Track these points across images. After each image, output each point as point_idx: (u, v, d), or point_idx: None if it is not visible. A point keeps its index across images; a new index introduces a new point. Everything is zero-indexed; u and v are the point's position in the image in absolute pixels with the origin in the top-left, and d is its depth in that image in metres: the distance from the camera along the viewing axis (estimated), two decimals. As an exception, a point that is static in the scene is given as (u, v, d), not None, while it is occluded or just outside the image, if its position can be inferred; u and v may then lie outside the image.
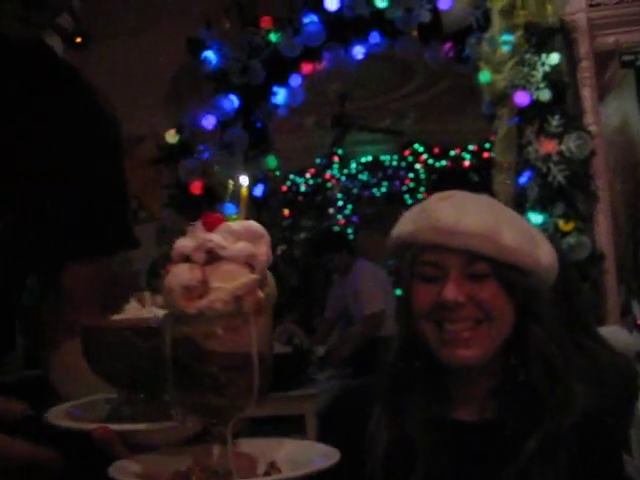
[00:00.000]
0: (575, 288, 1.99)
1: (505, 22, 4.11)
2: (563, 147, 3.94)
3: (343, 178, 8.76)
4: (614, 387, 1.77)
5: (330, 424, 1.20)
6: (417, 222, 1.13)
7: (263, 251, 0.80)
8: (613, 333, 2.06)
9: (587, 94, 4.16)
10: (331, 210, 8.81)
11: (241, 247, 0.78)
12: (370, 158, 8.63)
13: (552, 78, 4.00)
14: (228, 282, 0.77)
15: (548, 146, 3.96)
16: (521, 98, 4.01)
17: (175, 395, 0.78)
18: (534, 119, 4.06)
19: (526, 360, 1.10)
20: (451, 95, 6.86)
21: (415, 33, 4.33)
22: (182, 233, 0.78)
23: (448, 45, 4.36)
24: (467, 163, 8.38)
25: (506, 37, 4.07)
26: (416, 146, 8.55)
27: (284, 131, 7.51)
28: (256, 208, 4.77)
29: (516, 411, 1.01)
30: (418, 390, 1.12)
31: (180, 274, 0.77)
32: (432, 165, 8.55)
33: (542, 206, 3.92)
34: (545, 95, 3.98)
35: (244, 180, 0.84)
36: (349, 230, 8.50)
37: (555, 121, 4.00)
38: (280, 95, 4.49)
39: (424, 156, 8.55)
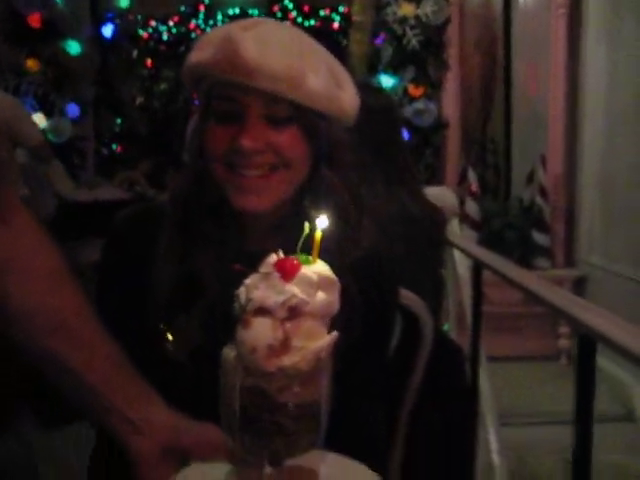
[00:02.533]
0: (398, 146, 2.03)
1: None
2: (420, 11, 3.93)
3: (208, 29, 8.37)
4: (418, 236, 1.89)
5: (112, 253, 1.15)
6: (216, 52, 1.02)
7: (335, 299, 0.78)
8: (438, 192, 2.16)
9: (449, -40, 4.13)
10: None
11: (321, 301, 0.76)
12: (237, 10, 8.26)
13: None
14: (311, 341, 0.75)
15: (406, 9, 3.93)
16: (383, -44, 3.92)
17: (239, 439, 0.77)
18: (395, -20, 4.00)
19: (319, 204, 1.09)
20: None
21: None
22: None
23: None
24: (336, 25, 8.21)
25: None
26: (286, 2, 8.26)
27: (146, -28, 7.03)
28: (104, 50, 4.51)
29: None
30: (211, 218, 1.08)
31: (264, 333, 0.74)
32: (301, 24, 8.30)
33: (394, 69, 3.94)
34: (407, -43, 3.91)
35: (322, 223, 0.79)
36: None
37: (415, -16, 3.96)
38: None
39: (293, 13, 8.29)
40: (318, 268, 0.79)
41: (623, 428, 3.45)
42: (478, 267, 2.10)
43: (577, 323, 1.18)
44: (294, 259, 0.78)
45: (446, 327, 3.61)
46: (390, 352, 1.70)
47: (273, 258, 0.80)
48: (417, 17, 3.96)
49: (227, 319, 0.85)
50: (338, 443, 0.92)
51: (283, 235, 1.02)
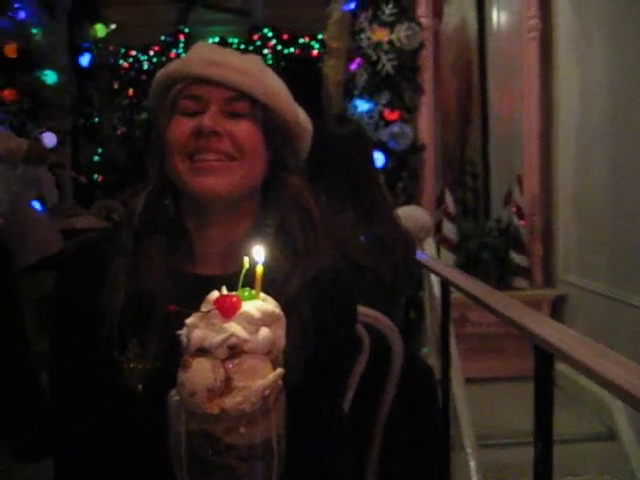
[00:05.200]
0: (368, 173, 2.04)
1: None
2: (394, 37, 3.98)
3: (188, 58, 8.42)
4: (392, 253, 1.90)
5: (64, 282, 1.14)
6: (185, 59, 1.12)
7: (280, 334, 0.77)
8: (410, 211, 2.17)
9: (421, -14, 4.20)
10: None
11: (263, 338, 0.73)
12: (217, 39, 8.34)
13: (387, -34, 3.99)
14: (254, 380, 0.72)
15: (380, 34, 3.98)
16: (356, -16, 3.98)
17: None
18: (368, 6, 4.05)
19: (280, 211, 1.12)
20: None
21: None
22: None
23: None
24: (315, 52, 8.31)
25: None
26: (265, 31, 8.35)
27: (125, 3, 7.08)
28: (82, 79, 4.52)
29: (271, 261, 0.98)
30: (162, 242, 1.09)
31: (203, 374, 0.71)
32: (280, 51, 8.41)
33: (369, 94, 3.98)
34: (380, -18, 3.97)
35: (260, 256, 0.78)
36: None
37: (388, 10, 4.01)
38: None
39: (273, 42, 8.38)
40: (261, 304, 0.77)
41: (606, 447, 3.44)
42: (445, 285, 2.11)
43: (533, 336, 1.18)
44: (234, 296, 0.77)
45: (426, 350, 3.62)
46: (359, 372, 1.70)
47: (214, 295, 0.78)
48: (391, 42, 4.01)
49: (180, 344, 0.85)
50: (299, 476, 0.92)
51: (237, 260, 1.02)
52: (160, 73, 1.14)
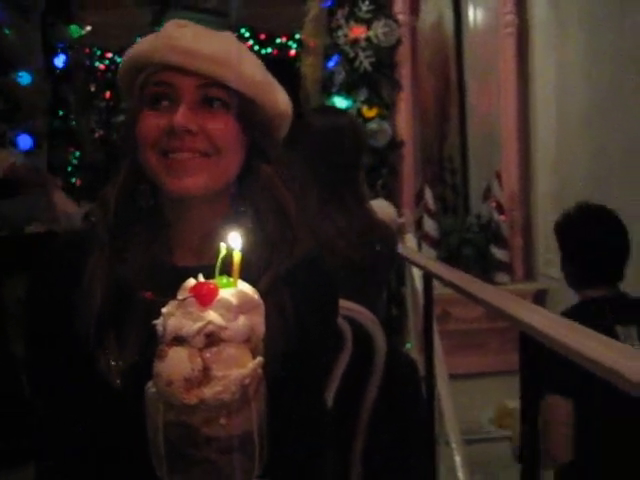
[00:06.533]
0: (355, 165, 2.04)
1: None
2: (371, 33, 3.98)
3: (165, 60, 8.36)
4: (370, 250, 1.89)
5: (41, 280, 1.11)
6: (154, 42, 1.03)
7: (259, 321, 0.74)
8: (377, 205, 2.16)
9: (398, -18, 4.20)
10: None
11: (241, 326, 0.71)
12: (194, 40, 8.30)
13: (363, -38, 3.98)
14: (233, 369, 0.69)
15: (357, 31, 3.97)
16: (332, -20, 3.97)
17: (167, 477, 0.71)
18: (345, 3, 4.04)
19: (255, 201, 1.08)
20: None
21: None
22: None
23: None
24: (293, 52, 8.28)
25: None
26: (242, 31, 8.30)
27: (101, 6, 7.02)
28: (57, 80, 4.47)
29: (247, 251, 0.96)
30: (140, 234, 1.05)
31: (180, 364, 0.69)
32: (258, 52, 8.37)
33: (347, 91, 3.97)
34: (356, -21, 3.96)
35: (236, 243, 0.74)
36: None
37: (365, 6, 4.00)
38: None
39: (250, 42, 8.33)
40: (238, 291, 0.75)
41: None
42: (427, 277, 2.11)
43: (520, 323, 1.17)
44: (211, 283, 0.74)
45: (408, 345, 3.62)
46: (342, 366, 1.68)
47: (190, 282, 0.76)
48: (368, 39, 4.00)
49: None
50: (281, 472, 0.90)
51: (213, 251, 1.00)
52: (126, 57, 1.06)
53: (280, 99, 1.10)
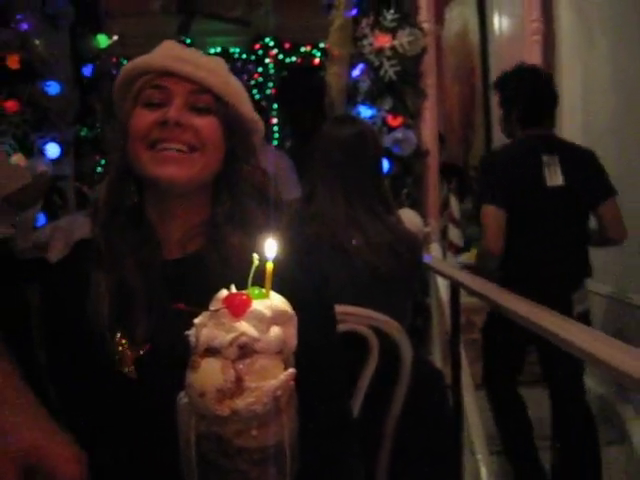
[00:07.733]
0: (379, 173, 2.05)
1: None
2: (396, 42, 3.98)
3: (190, 69, 8.42)
4: (398, 259, 1.89)
5: (51, 288, 1.19)
6: (152, 54, 1.20)
7: (292, 333, 0.74)
8: (406, 214, 2.18)
9: (423, -9, 4.19)
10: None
11: (274, 337, 0.71)
12: (219, 49, 8.34)
13: (389, -29, 3.99)
14: (265, 380, 0.70)
15: (382, 40, 3.98)
16: (358, -11, 3.98)
17: None
18: (370, 12, 4.05)
19: (236, 195, 1.18)
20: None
21: None
22: None
23: None
24: (317, 60, 8.31)
25: None
26: (267, 40, 8.35)
27: (127, 14, 7.10)
28: (85, 89, 4.52)
29: (220, 243, 1.08)
30: (130, 236, 1.14)
31: (212, 375, 0.69)
32: (282, 60, 8.40)
33: (372, 100, 3.97)
34: (382, -13, 3.97)
35: (270, 253, 0.75)
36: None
37: (390, 16, 4.01)
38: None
39: (274, 51, 8.38)
40: (271, 302, 0.75)
41: (616, 452, 3.41)
42: (455, 287, 2.10)
43: (546, 331, 1.16)
44: (244, 294, 0.74)
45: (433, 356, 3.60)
46: (368, 375, 1.69)
47: (223, 293, 0.76)
48: (393, 48, 4.00)
49: (166, 327, 0.86)
50: None
51: (196, 241, 1.15)
52: (128, 65, 1.20)
53: (251, 108, 1.26)
